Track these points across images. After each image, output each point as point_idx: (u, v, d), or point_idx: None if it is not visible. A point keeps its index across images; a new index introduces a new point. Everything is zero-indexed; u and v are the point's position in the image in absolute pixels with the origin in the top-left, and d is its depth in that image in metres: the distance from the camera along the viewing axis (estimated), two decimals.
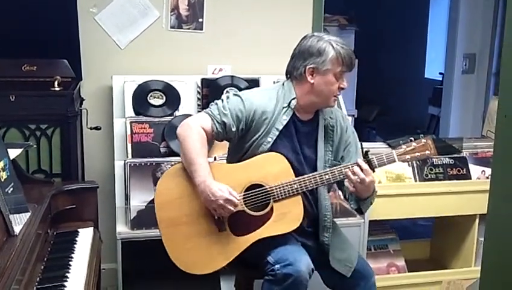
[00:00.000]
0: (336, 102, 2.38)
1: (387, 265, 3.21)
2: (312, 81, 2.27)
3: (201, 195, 2.21)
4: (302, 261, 2.14)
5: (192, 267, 2.27)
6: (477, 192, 3.08)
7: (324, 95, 2.29)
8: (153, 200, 2.49)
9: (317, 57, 2.26)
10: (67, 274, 1.89)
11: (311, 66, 2.27)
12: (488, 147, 3.33)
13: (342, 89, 2.31)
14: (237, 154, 2.36)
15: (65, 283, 1.83)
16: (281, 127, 2.29)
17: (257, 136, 2.29)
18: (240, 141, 2.35)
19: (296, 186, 2.24)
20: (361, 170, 2.21)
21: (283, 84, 2.38)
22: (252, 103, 2.29)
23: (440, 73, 6.04)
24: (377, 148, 3.35)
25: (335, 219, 2.54)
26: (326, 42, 2.26)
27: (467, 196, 3.11)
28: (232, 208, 2.20)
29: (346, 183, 2.28)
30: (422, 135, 2.32)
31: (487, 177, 3.21)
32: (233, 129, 2.28)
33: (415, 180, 3.15)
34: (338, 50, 2.25)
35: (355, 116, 5.45)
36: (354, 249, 2.46)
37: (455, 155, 3.26)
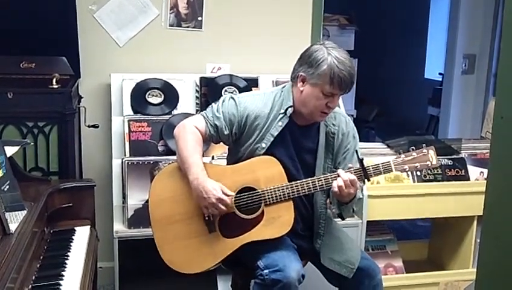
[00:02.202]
0: (324, 118, 2.28)
1: (385, 266, 3.21)
2: (302, 89, 2.23)
3: (194, 192, 2.21)
4: (292, 267, 2.12)
5: (180, 265, 2.27)
6: (475, 193, 3.07)
7: (310, 107, 2.22)
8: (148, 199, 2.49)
9: (309, 67, 2.19)
10: (63, 273, 1.88)
11: (302, 73, 2.22)
12: (487, 148, 3.31)
13: (330, 108, 2.22)
14: (234, 157, 2.36)
15: (61, 282, 1.82)
16: (275, 133, 2.26)
17: (251, 141, 2.28)
18: (235, 144, 2.35)
19: (288, 191, 2.22)
20: (349, 180, 2.14)
21: (283, 87, 2.35)
22: (246, 108, 2.28)
23: (440, 73, 6.03)
24: (376, 148, 3.35)
25: (335, 219, 2.53)
26: (325, 55, 2.16)
27: (465, 197, 3.10)
28: (223, 207, 2.19)
29: (333, 183, 2.19)
30: (424, 145, 2.24)
31: (486, 179, 3.19)
32: (226, 132, 2.28)
33: (413, 181, 3.13)
34: (332, 68, 2.14)
35: (355, 116, 5.45)
36: (356, 249, 2.42)
37: (454, 156, 3.25)
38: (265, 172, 2.24)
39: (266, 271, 2.13)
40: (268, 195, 2.23)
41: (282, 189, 2.22)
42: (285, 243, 2.27)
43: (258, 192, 2.24)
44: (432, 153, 2.21)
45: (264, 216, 2.23)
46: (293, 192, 2.22)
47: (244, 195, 2.25)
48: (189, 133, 2.27)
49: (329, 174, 2.24)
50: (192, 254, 2.27)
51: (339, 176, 2.17)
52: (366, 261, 2.36)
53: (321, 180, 2.22)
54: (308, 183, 2.22)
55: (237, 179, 2.26)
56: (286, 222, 2.22)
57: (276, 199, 2.22)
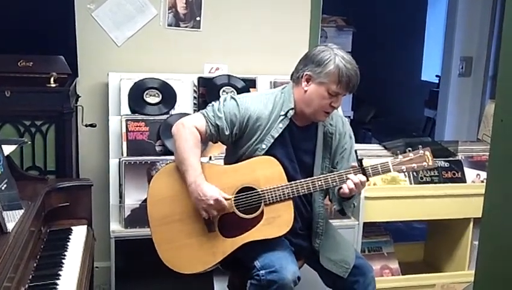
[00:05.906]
0: (327, 118, 2.32)
1: (381, 267, 3.21)
2: (306, 88, 2.25)
3: (192, 195, 2.22)
4: (288, 268, 2.13)
5: (179, 265, 2.27)
6: (472, 195, 3.08)
7: (313, 106, 2.24)
8: (147, 198, 2.49)
9: (316, 66, 2.21)
10: (59, 272, 1.88)
11: (308, 72, 2.24)
12: (484, 151, 3.32)
13: (334, 108, 2.26)
14: (233, 158, 2.36)
15: (57, 281, 1.82)
16: (276, 135, 2.28)
17: (251, 142, 2.29)
18: (234, 145, 2.35)
19: (287, 191, 2.23)
20: (360, 181, 2.19)
21: (283, 88, 2.36)
22: (248, 109, 2.28)
23: (437, 76, 6.04)
24: (373, 150, 3.36)
25: (330, 220, 2.54)
26: (332, 55, 2.20)
27: (462, 200, 3.11)
28: (221, 208, 2.19)
29: (343, 186, 2.22)
30: (420, 146, 2.28)
31: (482, 181, 3.22)
32: (227, 133, 2.28)
33: (410, 183, 3.14)
34: (339, 67, 2.18)
35: (352, 117, 5.46)
36: (351, 249, 2.45)
37: (450, 158, 3.26)
38: (265, 172, 2.25)
39: (262, 271, 2.14)
40: (268, 195, 2.23)
41: (282, 189, 2.23)
42: (283, 244, 2.28)
43: (258, 192, 2.25)
44: (428, 154, 2.26)
45: (263, 216, 2.24)
46: (293, 192, 2.23)
47: (243, 195, 2.25)
48: (188, 133, 2.26)
49: (328, 174, 2.26)
50: (191, 253, 2.27)
51: (348, 179, 2.20)
52: (359, 259, 2.40)
53: (320, 180, 2.24)
54: (308, 183, 2.24)
55: (237, 179, 2.26)
56: (285, 222, 2.23)
57: (276, 199, 2.23)
